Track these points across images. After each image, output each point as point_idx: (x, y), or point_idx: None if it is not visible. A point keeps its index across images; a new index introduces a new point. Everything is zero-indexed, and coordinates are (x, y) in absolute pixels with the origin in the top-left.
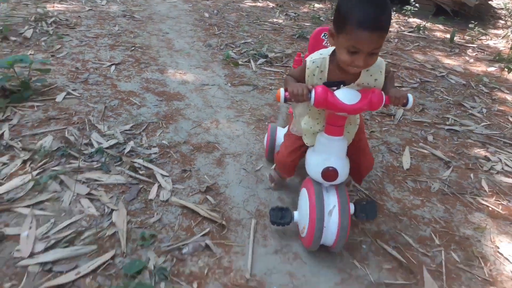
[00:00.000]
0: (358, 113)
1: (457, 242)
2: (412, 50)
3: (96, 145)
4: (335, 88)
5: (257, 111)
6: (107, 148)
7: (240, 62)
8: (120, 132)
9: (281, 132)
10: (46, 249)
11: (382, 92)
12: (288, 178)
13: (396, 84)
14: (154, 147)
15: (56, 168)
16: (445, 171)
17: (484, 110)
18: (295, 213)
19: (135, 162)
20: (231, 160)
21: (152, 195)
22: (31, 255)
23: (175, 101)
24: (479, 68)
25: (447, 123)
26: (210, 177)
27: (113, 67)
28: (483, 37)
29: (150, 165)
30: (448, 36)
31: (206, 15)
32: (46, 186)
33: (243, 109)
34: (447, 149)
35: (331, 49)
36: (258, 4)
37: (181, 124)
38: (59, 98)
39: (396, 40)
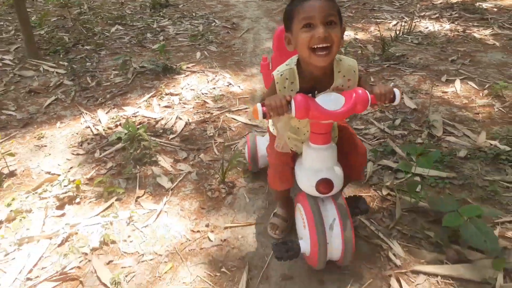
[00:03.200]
0: (345, 118)
1: None
2: None
3: (194, 15)
4: (310, 95)
5: (268, 8)
6: (199, 16)
7: None
8: (206, 13)
9: (261, 141)
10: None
11: (367, 92)
12: (288, 190)
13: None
14: (218, 17)
15: (178, 18)
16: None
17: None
18: (301, 242)
19: (209, 18)
20: (247, 19)
21: (212, 26)
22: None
23: (230, 6)
24: None
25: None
26: (236, 21)
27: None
28: None
29: (215, 20)
30: None
31: None
32: (176, 23)
33: (261, 7)
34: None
35: (295, 57)
36: None
37: (231, 12)
38: (180, 6)
39: None
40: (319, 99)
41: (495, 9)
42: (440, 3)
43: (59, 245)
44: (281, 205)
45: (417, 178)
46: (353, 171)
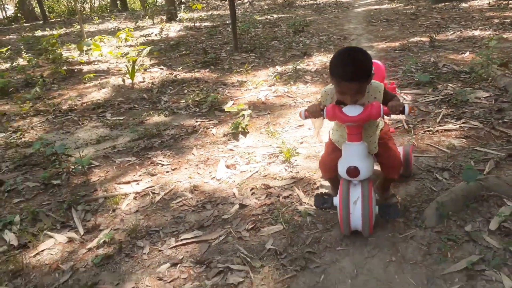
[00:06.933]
0: (362, 122)
1: None
2: None
3: (320, 34)
4: (342, 106)
5: (369, 30)
6: (323, 34)
7: (374, 22)
8: (328, 33)
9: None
10: None
11: (381, 105)
12: (330, 178)
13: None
14: (335, 35)
15: None
16: None
17: None
18: (335, 198)
19: (329, 35)
20: (354, 35)
21: (331, 39)
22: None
23: (344, 29)
24: None
25: None
26: (347, 36)
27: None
28: None
29: (333, 36)
30: None
31: (372, 13)
32: (309, 38)
33: (365, 29)
34: None
35: None
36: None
37: (344, 32)
38: (311, 31)
39: None
40: (345, 108)
41: None
42: (497, 22)
43: None
44: (332, 187)
45: None
46: (389, 172)
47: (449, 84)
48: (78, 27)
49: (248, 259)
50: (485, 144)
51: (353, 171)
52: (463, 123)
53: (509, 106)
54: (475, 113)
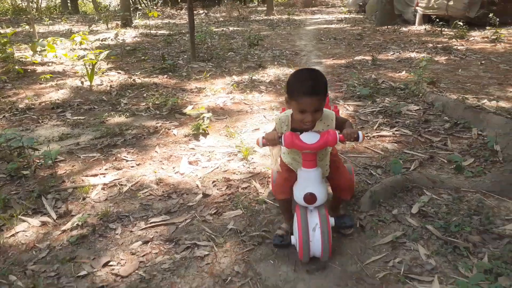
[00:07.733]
0: (319, 149)
1: None
2: None
3: (273, 49)
4: (299, 133)
5: (319, 47)
6: (276, 49)
7: (323, 40)
8: (281, 48)
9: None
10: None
11: (336, 132)
12: (285, 199)
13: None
14: (288, 50)
15: None
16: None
17: None
18: (292, 237)
19: (282, 50)
20: (304, 51)
21: (284, 53)
22: None
23: (296, 45)
24: None
25: None
26: (298, 52)
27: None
28: None
29: (286, 51)
30: None
31: (321, 32)
32: (264, 52)
33: (314, 47)
34: None
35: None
36: (345, 26)
37: (295, 48)
38: (265, 45)
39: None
40: (303, 135)
41: (464, 50)
42: (431, 46)
43: None
44: (285, 220)
45: None
46: (341, 193)
47: (386, 98)
48: (27, 27)
49: (213, 236)
50: (413, 148)
51: (310, 198)
52: (395, 130)
53: (434, 118)
54: (406, 123)
